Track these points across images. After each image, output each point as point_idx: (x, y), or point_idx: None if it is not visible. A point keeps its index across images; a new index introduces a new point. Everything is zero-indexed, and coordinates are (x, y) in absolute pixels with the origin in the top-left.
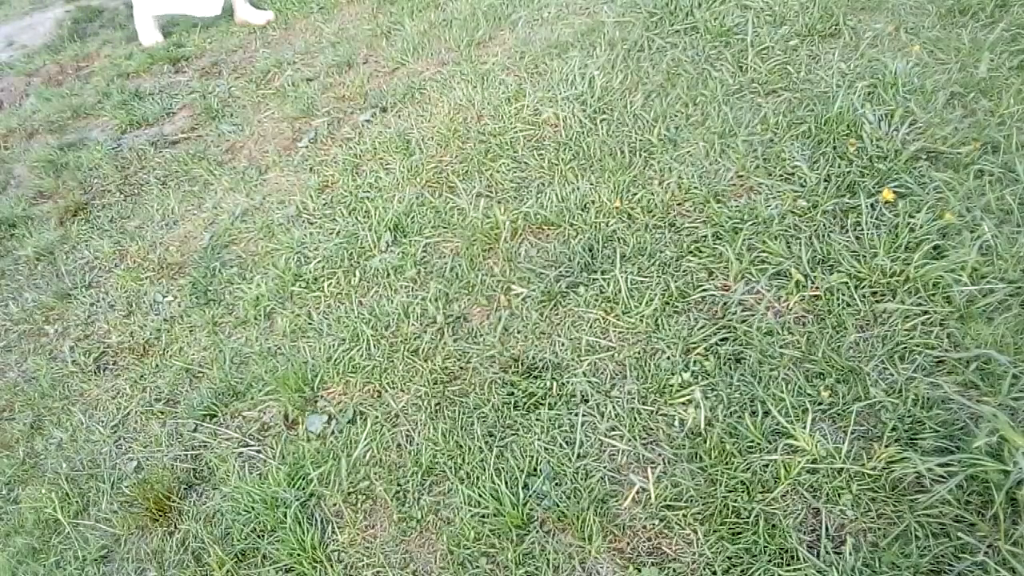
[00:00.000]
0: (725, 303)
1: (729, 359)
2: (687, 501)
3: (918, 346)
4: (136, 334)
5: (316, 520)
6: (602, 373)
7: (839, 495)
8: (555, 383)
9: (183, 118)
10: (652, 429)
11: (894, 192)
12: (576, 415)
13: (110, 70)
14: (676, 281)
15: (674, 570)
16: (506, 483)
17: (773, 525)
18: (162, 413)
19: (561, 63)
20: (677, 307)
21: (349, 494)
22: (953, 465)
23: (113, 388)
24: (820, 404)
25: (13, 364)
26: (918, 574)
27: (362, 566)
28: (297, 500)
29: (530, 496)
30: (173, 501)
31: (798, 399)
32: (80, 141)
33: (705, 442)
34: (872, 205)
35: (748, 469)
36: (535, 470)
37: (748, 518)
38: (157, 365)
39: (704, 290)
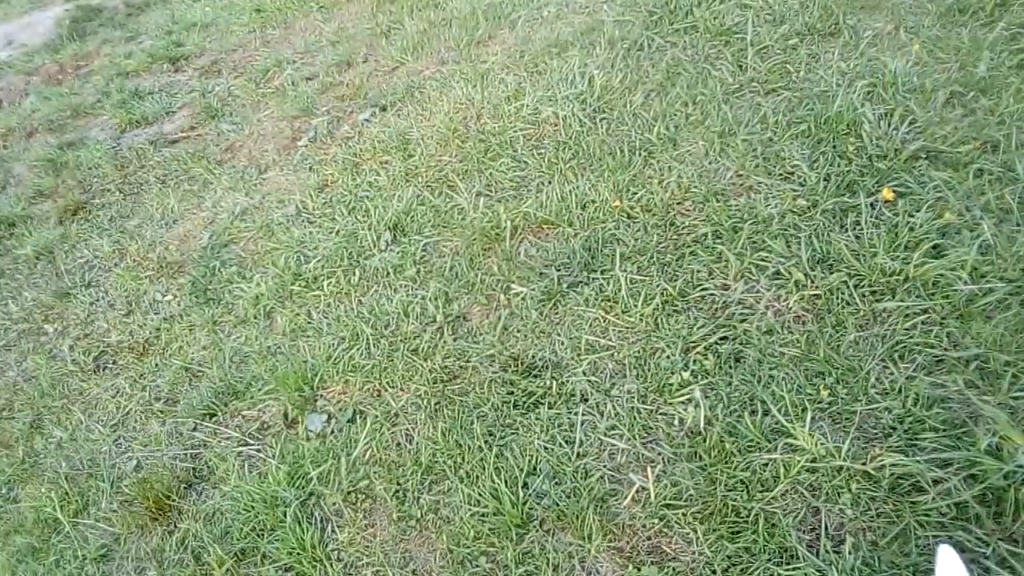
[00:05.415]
0: (725, 302)
1: (729, 358)
2: (687, 500)
3: (918, 345)
4: (136, 333)
5: (316, 519)
6: (602, 372)
7: (839, 494)
8: (555, 382)
9: (183, 117)
10: (652, 428)
11: (894, 191)
12: (576, 414)
13: (110, 69)
14: (676, 280)
15: (674, 569)
16: (506, 482)
17: (773, 524)
18: (162, 412)
19: (561, 62)
20: (677, 306)
21: (349, 493)
22: (953, 464)
23: (113, 387)
24: (820, 403)
25: (13, 363)
26: (917, 573)
27: (362, 565)
28: (297, 499)
29: (530, 495)
30: (173, 500)
31: (798, 398)
32: (80, 140)
33: (705, 441)
34: (872, 204)
35: (748, 468)
36: (535, 469)
37: (748, 517)
38: (157, 364)
39: (704, 289)
